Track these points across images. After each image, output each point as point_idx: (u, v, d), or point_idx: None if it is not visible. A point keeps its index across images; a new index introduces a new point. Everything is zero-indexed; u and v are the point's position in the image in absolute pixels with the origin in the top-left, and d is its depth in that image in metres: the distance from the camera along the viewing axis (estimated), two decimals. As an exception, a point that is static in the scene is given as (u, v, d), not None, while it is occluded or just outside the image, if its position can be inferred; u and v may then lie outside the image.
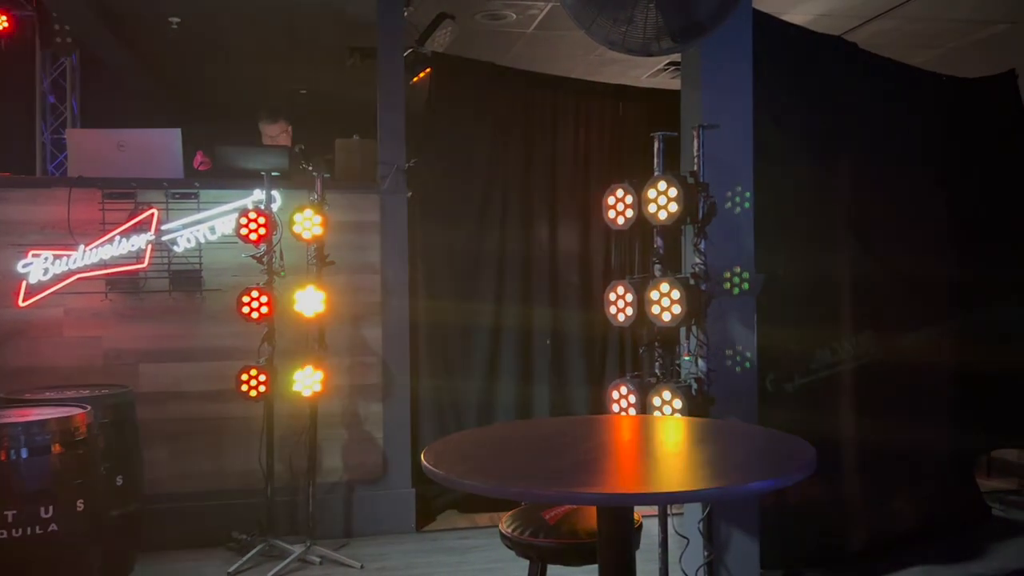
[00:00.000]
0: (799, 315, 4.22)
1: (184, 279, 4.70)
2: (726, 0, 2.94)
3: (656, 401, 3.37)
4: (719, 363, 3.56)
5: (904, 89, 4.74)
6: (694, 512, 3.63)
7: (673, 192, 3.31)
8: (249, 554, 4.39)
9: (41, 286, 4.48)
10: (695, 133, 3.50)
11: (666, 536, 3.54)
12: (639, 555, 2.50)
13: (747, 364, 3.80)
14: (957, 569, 4.29)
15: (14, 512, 3.22)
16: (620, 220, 3.50)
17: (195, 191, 4.73)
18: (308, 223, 4.38)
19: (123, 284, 4.63)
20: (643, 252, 5.34)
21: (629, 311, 3.45)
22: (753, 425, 3.70)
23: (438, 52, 5.73)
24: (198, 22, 6.54)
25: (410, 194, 5.03)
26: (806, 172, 4.31)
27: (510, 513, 2.83)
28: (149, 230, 4.63)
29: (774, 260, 3.98)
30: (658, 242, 3.52)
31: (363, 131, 5.35)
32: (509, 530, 2.72)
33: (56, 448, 3.36)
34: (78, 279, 4.53)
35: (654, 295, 3.34)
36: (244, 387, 4.37)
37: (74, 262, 4.51)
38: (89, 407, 3.62)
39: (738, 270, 3.75)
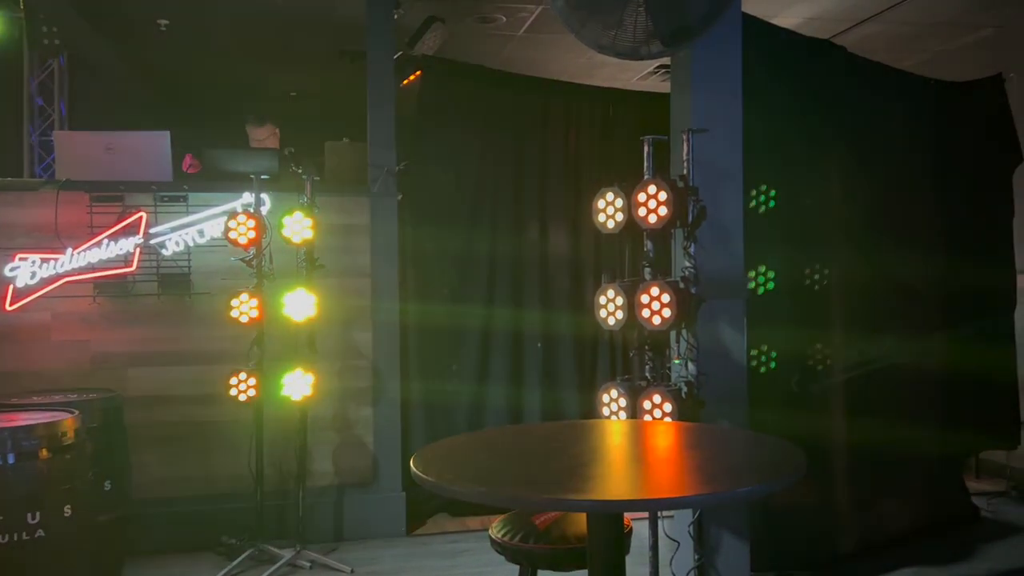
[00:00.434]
0: (790, 320, 4.24)
1: (173, 282, 4.68)
2: (716, 4, 2.94)
3: (646, 404, 3.37)
4: (709, 366, 3.56)
5: (892, 92, 4.76)
6: (684, 515, 3.63)
7: (663, 196, 3.31)
8: (238, 559, 4.37)
9: (28, 290, 4.46)
10: (684, 137, 3.50)
11: (656, 539, 3.54)
12: (629, 559, 2.50)
13: (737, 367, 3.80)
14: (946, 570, 4.31)
15: (1, 518, 3.19)
16: (610, 224, 3.50)
17: (184, 194, 4.71)
18: (298, 226, 4.37)
19: (111, 288, 4.60)
20: (633, 255, 5.37)
21: (619, 314, 3.45)
22: (743, 429, 3.71)
23: (428, 55, 5.73)
24: (187, 24, 6.52)
25: (400, 197, 5.02)
26: (796, 175, 4.32)
27: (500, 518, 2.82)
28: (137, 233, 4.61)
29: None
30: (648, 246, 3.52)
31: (353, 134, 5.34)
32: (499, 535, 2.72)
33: (43, 453, 3.33)
34: (66, 282, 4.51)
35: (644, 298, 3.34)
36: (233, 391, 4.35)
37: (62, 265, 4.49)
38: (77, 412, 3.59)
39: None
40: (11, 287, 4.43)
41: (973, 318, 5.06)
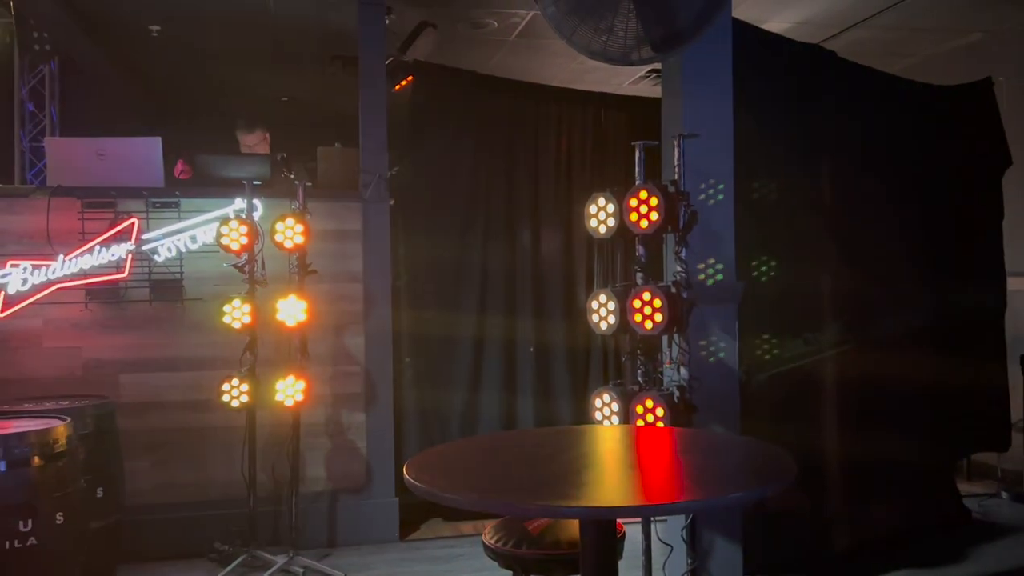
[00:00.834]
0: (776, 321, 4.26)
1: (165, 289, 4.67)
2: (706, 9, 2.95)
3: (639, 409, 3.38)
4: (701, 371, 3.57)
5: (882, 96, 4.78)
6: (677, 519, 3.64)
7: (654, 201, 3.33)
8: (231, 565, 4.36)
9: (20, 296, 4.45)
10: (676, 142, 3.51)
11: (649, 544, 3.55)
12: (622, 563, 2.51)
13: (729, 372, 3.81)
14: (938, 572, 4.32)
15: (-7, 526, 3.19)
16: (602, 229, 3.51)
17: (176, 200, 4.70)
18: (290, 232, 4.37)
19: (103, 294, 4.59)
20: (625, 261, 5.39)
21: (611, 319, 3.46)
22: (734, 435, 3.72)
23: (420, 60, 5.74)
24: (179, 30, 6.51)
25: (392, 202, 5.02)
26: (786, 180, 4.33)
27: (493, 523, 2.83)
28: (129, 239, 4.60)
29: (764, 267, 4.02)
30: (640, 251, 3.54)
31: (345, 139, 5.35)
32: (492, 541, 2.72)
33: (35, 461, 3.32)
34: (57, 289, 4.49)
35: (636, 303, 3.35)
36: (226, 397, 4.34)
37: (53, 272, 4.48)
38: (69, 419, 3.59)
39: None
40: (3, 294, 4.42)
41: (963, 320, 5.09)
